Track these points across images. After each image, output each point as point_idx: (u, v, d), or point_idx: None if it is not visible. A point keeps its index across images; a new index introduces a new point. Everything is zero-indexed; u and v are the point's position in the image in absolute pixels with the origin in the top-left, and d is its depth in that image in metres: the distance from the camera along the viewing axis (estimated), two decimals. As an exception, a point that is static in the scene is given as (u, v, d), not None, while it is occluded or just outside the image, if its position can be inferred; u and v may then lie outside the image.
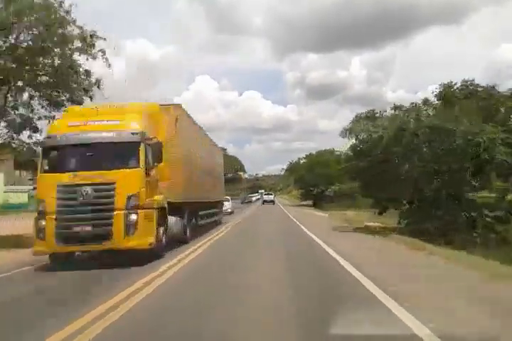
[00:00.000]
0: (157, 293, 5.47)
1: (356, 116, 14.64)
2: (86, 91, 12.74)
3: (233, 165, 76.01)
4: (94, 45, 12.17)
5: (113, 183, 7.87)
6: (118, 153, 8.28)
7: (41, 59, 12.21)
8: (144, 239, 7.87)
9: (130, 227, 7.77)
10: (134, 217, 7.80)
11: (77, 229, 7.70)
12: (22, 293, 5.98)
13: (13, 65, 12.12)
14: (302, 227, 16.50)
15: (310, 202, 54.09)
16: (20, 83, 12.63)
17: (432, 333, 3.44)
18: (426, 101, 15.98)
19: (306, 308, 4.51)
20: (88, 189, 7.75)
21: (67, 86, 12.43)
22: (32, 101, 12.86)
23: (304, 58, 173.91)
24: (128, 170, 8.08)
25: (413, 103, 15.35)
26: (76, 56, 12.29)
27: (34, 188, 10.94)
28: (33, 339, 3.77)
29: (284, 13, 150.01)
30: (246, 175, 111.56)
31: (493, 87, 15.44)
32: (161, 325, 4.01)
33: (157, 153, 8.50)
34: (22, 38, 11.96)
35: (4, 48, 11.89)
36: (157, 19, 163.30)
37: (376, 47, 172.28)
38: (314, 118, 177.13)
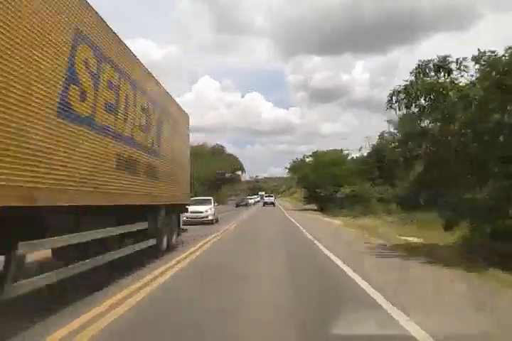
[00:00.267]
0: None
1: (418, 66, 8.72)
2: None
3: (232, 164, 70.28)
4: None
5: None
6: None
7: None
8: None
9: None
10: None
11: None
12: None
13: None
14: (321, 248, 10.78)
15: (315, 206, 48.45)
16: None
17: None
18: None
19: None
20: None
21: None
22: None
23: (307, 60, 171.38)
24: None
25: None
26: None
27: None
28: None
29: (288, 15, 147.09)
30: (246, 177, 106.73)
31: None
32: None
33: None
34: None
35: None
36: (159, 19, 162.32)
37: (381, 52, 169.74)
38: (316, 121, 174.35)
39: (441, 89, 8.20)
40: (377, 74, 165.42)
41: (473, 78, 8.02)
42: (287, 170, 42.36)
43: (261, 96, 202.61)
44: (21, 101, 3.75)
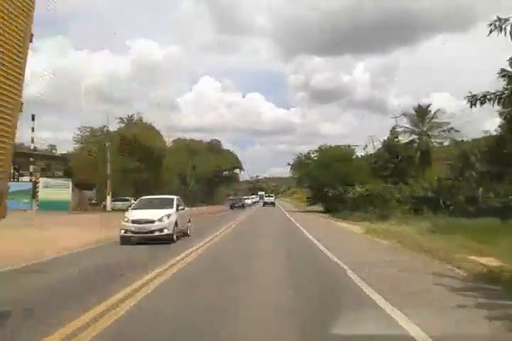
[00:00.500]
0: None
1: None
2: None
3: (230, 161, 65.70)
4: None
5: None
6: None
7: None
8: None
9: None
10: None
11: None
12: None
13: None
14: (369, 292, 5.92)
15: (320, 207, 43.94)
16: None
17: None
18: None
19: None
20: None
21: None
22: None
23: (308, 61, 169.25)
24: None
25: None
26: None
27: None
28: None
29: (289, 15, 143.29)
30: (245, 176, 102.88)
31: None
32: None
33: None
34: None
35: None
36: (159, 19, 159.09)
37: (381, 52, 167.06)
38: (316, 122, 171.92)
39: None
40: (378, 75, 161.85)
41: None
42: (290, 167, 37.70)
43: (261, 96, 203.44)
44: None
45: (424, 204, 26.12)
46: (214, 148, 64.34)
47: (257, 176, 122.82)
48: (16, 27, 3.99)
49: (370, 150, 44.42)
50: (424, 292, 5.77)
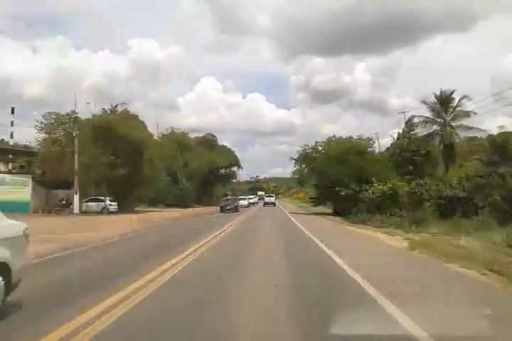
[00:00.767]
0: None
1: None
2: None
3: (226, 158, 60.05)
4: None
5: None
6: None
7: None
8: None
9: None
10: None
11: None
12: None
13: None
14: None
15: (328, 209, 38.48)
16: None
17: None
18: None
19: None
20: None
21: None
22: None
23: (309, 61, 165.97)
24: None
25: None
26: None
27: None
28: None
29: (290, 15, 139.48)
30: (244, 175, 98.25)
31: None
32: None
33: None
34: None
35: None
36: (160, 19, 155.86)
37: (382, 53, 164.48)
38: (317, 122, 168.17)
39: None
40: (378, 75, 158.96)
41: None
42: (294, 163, 31.87)
43: (262, 96, 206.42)
44: None
45: (451, 205, 20.82)
46: (208, 143, 58.68)
47: (257, 176, 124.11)
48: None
49: (376, 148, 39.17)
50: None
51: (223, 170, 64.29)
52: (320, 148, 31.63)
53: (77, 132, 28.02)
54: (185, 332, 4.03)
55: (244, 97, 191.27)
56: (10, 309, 4.45)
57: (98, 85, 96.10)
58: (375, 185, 24.05)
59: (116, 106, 37.37)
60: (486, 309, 4.60)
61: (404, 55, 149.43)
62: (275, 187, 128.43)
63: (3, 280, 4.14)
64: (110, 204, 31.10)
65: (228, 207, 35.68)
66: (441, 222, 18.48)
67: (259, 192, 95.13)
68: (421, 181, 26.49)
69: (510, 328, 4.18)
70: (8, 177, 29.30)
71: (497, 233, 12.47)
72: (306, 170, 37.56)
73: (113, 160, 28.83)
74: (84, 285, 6.19)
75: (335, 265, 8.19)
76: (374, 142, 30.67)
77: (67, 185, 33.14)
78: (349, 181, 28.20)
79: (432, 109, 37.50)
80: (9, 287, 4.32)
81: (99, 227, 18.64)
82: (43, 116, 29.72)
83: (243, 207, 44.74)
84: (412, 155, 28.14)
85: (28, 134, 78.60)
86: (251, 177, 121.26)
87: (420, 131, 36.97)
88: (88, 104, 31.02)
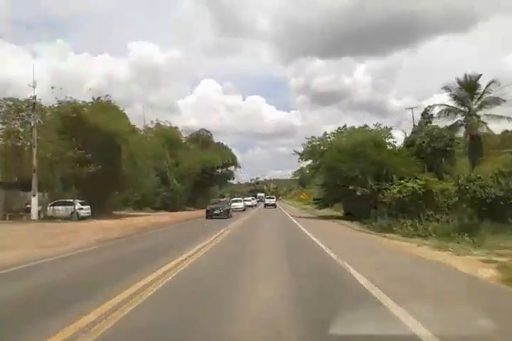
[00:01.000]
0: None
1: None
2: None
3: (222, 157, 55.08)
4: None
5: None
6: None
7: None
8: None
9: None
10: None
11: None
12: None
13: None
14: None
15: (335, 211, 33.70)
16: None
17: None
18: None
19: None
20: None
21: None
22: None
23: (309, 63, 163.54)
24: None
25: None
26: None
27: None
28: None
29: (290, 17, 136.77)
30: (243, 175, 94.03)
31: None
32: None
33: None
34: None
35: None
36: (160, 22, 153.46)
37: (382, 54, 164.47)
38: (317, 124, 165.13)
39: None
40: (378, 77, 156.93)
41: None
42: (298, 157, 26.76)
43: (262, 99, 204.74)
44: None
45: (488, 206, 16.12)
46: (203, 139, 53.64)
47: (257, 178, 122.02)
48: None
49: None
50: None
51: (219, 170, 59.42)
52: (329, 139, 26.64)
53: (37, 121, 23.17)
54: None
55: (244, 99, 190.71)
56: None
57: (98, 88, 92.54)
58: (403, 181, 19.18)
59: (98, 99, 32.52)
60: None
61: (405, 56, 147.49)
62: (275, 188, 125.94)
63: None
64: (81, 209, 26.23)
65: (217, 212, 28.15)
66: (495, 231, 13.76)
67: (259, 194, 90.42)
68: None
69: None
70: None
71: None
72: (308, 170, 32.96)
73: (81, 155, 23.95)
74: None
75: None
76: (392, 133, 25.81)
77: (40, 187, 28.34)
78: (365, 178, 23.38)
79: (455, 97, 32.73)
80: None
81: (42, 240, 13.96)
82: (-4, 103, 24.80)
83: (237, 210, 38.40)
84: (445, 145, 23.23)
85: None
86: (251, 179, 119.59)
87: (440, 123, 32.25)
88: (53, 88, 26.05)
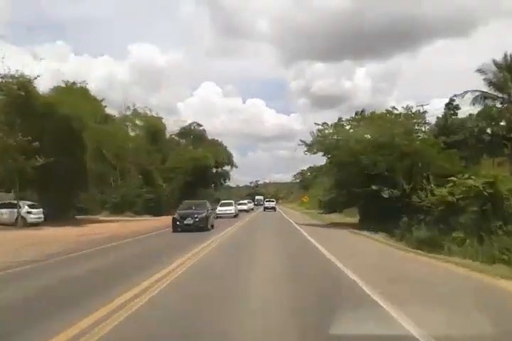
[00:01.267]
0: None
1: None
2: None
3: (217, 155, 49.50)
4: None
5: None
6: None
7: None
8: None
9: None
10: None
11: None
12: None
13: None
14: None
15: (347, 217, 28.27)
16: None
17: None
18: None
19: None
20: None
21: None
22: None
23: (309, 66, 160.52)
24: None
25: None
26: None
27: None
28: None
29: (290, 21, 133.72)
30: (239, 176, 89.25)
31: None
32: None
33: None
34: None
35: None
36: (161, 25, 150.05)
37: (382, 58, 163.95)
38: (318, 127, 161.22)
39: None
40: (379, 80, 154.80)
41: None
42: (305, 148, 21.24)
43: (262, 102, 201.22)
44: None
45: None
46: (194, 134, 47.98)
47: (256, 181, 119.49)
48: None
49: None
50: None
51: (214, 170, 53.91)
52: (347, 127, 20.90)
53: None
54: None
55: (244, 102, 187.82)
56: None
57: (97, 90, 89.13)
58: (454, 179, 13.65)
59: (73, 83, 27.10)
60: None
61: (405, 60, 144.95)
62: (275, 191, 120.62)
63: None
64: (29, 212, 20.68)
65: (189, 221, 18.29)
66: None
67: (257, 197, 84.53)
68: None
69: None
70: None
71: None
72: (310, 172, 27.40)
73: (25, 143, 18.44)
74: None
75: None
76: (425, 118, 20.20)
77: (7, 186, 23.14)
78: (393, 176, 17.93)
79: (490, 83, 27.36)
80: None
81: None
82: None
83: (227, 216, 30.84)
84: (509, 129, 17.79)
85: None
86: (250, 182, 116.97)
87: (469, 109, 26.94)
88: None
